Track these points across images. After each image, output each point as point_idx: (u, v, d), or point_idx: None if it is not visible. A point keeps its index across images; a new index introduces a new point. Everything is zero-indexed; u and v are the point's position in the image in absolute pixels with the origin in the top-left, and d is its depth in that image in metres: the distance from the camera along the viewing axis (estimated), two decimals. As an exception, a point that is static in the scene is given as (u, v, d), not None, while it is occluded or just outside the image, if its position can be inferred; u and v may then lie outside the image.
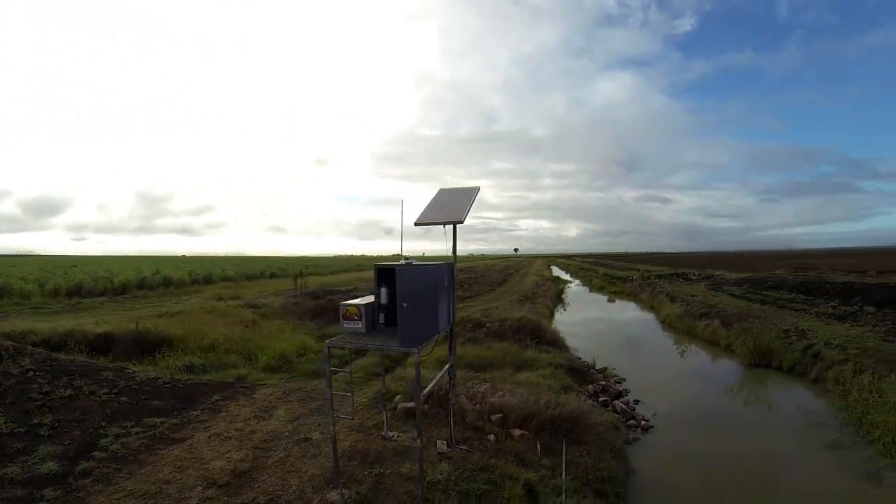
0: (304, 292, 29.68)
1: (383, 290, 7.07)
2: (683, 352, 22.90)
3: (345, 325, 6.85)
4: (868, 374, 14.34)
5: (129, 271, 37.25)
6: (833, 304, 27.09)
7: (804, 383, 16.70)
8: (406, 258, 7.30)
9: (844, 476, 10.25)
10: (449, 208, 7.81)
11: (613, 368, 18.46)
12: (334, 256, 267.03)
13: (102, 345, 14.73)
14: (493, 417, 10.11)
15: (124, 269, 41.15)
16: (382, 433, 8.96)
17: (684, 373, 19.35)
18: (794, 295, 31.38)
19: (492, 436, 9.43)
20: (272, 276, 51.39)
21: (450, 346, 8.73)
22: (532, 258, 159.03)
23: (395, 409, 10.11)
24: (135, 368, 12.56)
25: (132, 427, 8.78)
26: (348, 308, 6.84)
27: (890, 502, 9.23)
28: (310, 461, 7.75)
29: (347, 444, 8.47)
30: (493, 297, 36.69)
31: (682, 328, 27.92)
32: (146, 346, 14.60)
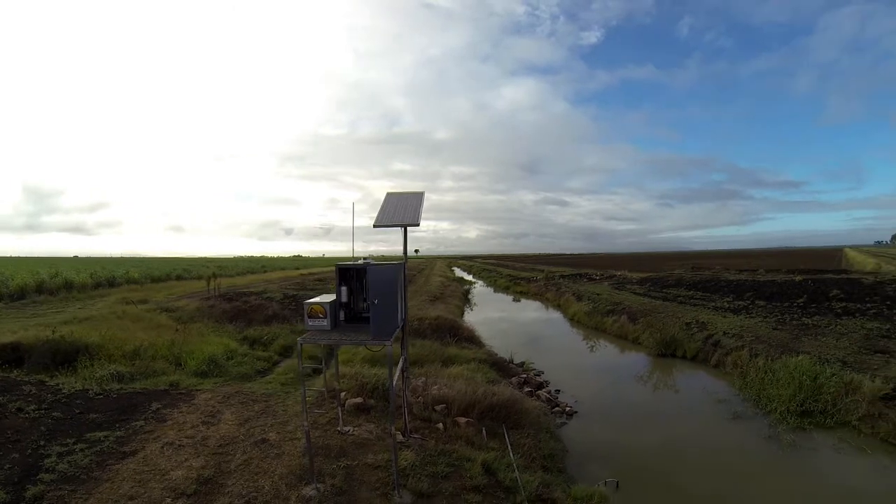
0: (217, 294, 28.76)
1: (343, 289, 7.38)
2: (595, 345, 24.39)
3: (310, 323, 7.05)
4: (762, 358, 16.13)
5: (24, 274, 34.34)
6: (728, 299, 29.72)
7: (706, 368, 18.43)
8: (364, 259, 7.64)
9: (750, 439, 11.89)
10: (402, 212, 8.18)
11: (532, 363, 19.32)
12: (235, 257, 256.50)
13: (10, 356, 13.42)
14: (438, 408, 10.62)
15: (16, 271, 37.83)
16: (338, 429, 9.16)
17: (599, 364, 20.70)
18: (692, 292, 34.00)
19: (440, 424, 9.93)
20: (178, 277, 48.90)
21: (402, 341, 9.10)
22: (433, 259, 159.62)
23: (344, 405, 10.34)
24: (56, 381, 11.67)
25: (74, 444, 8.20)
26: (313, 306, 7.05)
27: (786, 456, 10.85)
28: (275, 461, 7.80)
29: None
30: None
31: (590, 324, 29.52)
32: (62, 355, 13.39)
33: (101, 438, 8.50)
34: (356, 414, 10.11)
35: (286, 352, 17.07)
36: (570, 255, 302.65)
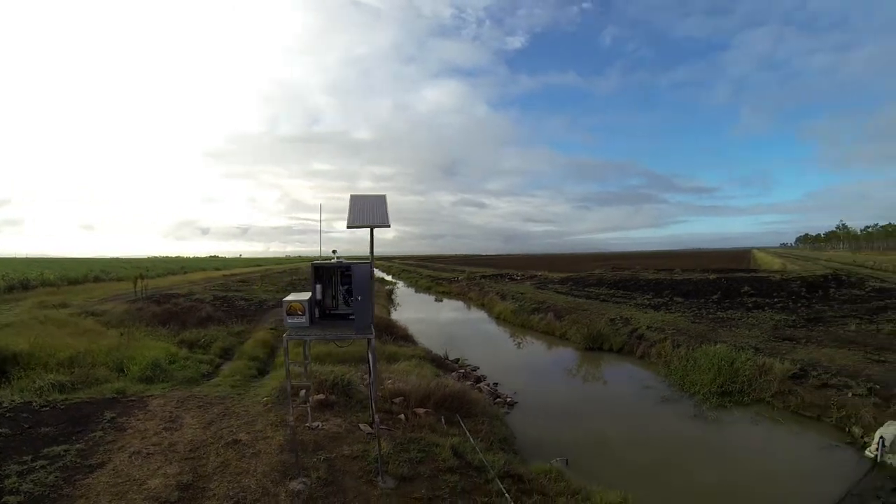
0: (144, 297, 27.79)
1: (318, 287, 7.78)
2: (525, 342, 25.60)
3: (289, 321, 7.36)
4: (683, 348, 17.67)
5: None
6: (648, 296, 32.03)
7: (632, 360, 19.94)
8: (338, 258, 8.01)
9: (678, 418, 13.45)
10: (370, 213, 8.59)
11: (466, 359, 20.10)
12: (150, 258, 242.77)
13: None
14: (396, 400, 11.16)
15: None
16: (308, 424, 9.44)
17: (531, 358, 21.94)
18: (613, 290, 36.33)
19: (402, 415, 10.45)
20: (96, 279, 46.30)
21: (368, 339, 9.53)
22: (350, 260, 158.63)
23: (307, 402, 10.60)
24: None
25: (33, 461, 7.70)
26: (292, 304, 7.37)
27: (711, 430, 12.50)
28: (253, 460, 7.91)
29: (281, 438, 8.77)
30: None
31: (517, 322, 30.69)
32: (-13, 365, 12.75)
33: (62, 453, 8.06)
34: (321, 410, 10.40)
35: (226, 354, 16.95)
36: (488, 255, 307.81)
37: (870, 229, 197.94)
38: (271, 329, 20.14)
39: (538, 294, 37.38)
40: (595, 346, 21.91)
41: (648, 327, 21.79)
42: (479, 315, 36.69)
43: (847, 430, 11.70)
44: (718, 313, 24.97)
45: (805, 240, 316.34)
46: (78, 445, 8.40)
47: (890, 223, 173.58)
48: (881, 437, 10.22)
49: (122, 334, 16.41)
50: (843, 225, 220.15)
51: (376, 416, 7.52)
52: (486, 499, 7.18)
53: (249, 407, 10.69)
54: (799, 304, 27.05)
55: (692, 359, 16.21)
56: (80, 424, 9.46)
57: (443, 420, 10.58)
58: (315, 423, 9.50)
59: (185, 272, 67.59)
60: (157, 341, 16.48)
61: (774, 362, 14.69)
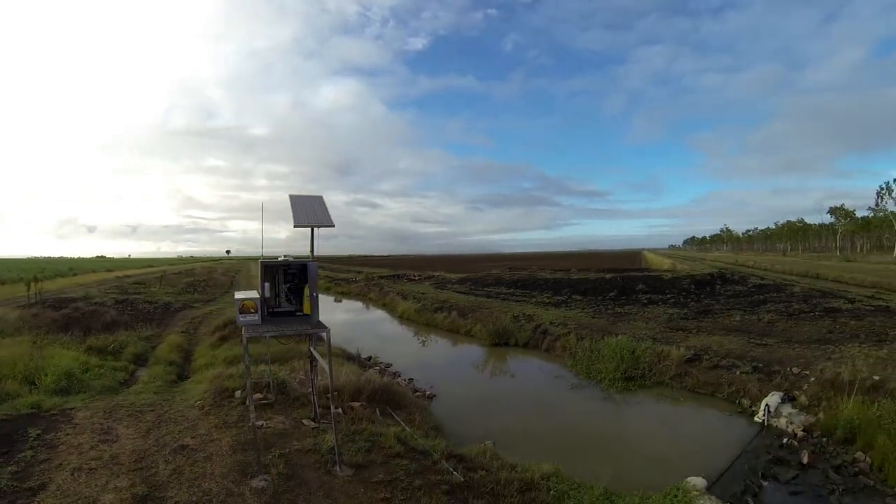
0: (38, 301, 25.88)
1: (266, 285, 8.06)
2: (432, 339, 26.30)
3: (241, 319, 7.64)
4: (587, 340, 19.10)
5: None
6: (547, 294, 33.91)
7: (538, 353, 21.24)
8: (286, 257, 8.47)
9: (588, 402, 14.84)
10: (313, 213, 8.98)
11: (378, 357, 20.52)
12: (29, 259, 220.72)
13: None
14: (328, 395, 11.41)
15: None
16: (251, 423, 9.52)
17: (441, 355, 22.86)
18: (513, 289, 37.98)
19: (339, 409, 10.74)
20: None
21: (309, 336, 9.81)
22: (245, 260, 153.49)
23: (245, 402, 10.60)
24: None
25: None
26: (245, 302, 7.68)
27: (619, 410, 13.98)
28: (206, 463, 7.86)
29: (230, 439, 8.81)
30: (231, 298, 36.01)
31: (421, 321, 31.36)
32: None
33: (-8, 478, 7.54)
34: (261, 409, 10.48)
35: (140, 360, 16.47)
36: (382, 256, 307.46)
37: (750, 233, 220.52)
38: (182, 332, 19.68)
39: (439, 294, 38.38)
40: (501, 341, 22.92)
41: (552, 323, 23.21)
42: (381, 315, 37.05)
43: (737, 402, 13.59)
44: (616, 309, 27.13)
45: (692, 241, 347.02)
46: (10, 468, 7.69)
47: (768, 227, 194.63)
48: (766, 405, 12.17)
49: (34, 343, 15.39)
50: (726, 228, 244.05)
51: (334, 409, 7.89)
52: (439, 476, 7.79)
53: (185, 412, 10.52)
54: (689, 299, 30.28)
55: (596, 350, 17.67)
56: (3, 445, 8.68)
57: (377, 412, 11.04)
58: (259, 422, 9.62)
59: (75, 274, 63.28)
60: (66, 349, 15.64)
61: (671, 349, 16.52)
